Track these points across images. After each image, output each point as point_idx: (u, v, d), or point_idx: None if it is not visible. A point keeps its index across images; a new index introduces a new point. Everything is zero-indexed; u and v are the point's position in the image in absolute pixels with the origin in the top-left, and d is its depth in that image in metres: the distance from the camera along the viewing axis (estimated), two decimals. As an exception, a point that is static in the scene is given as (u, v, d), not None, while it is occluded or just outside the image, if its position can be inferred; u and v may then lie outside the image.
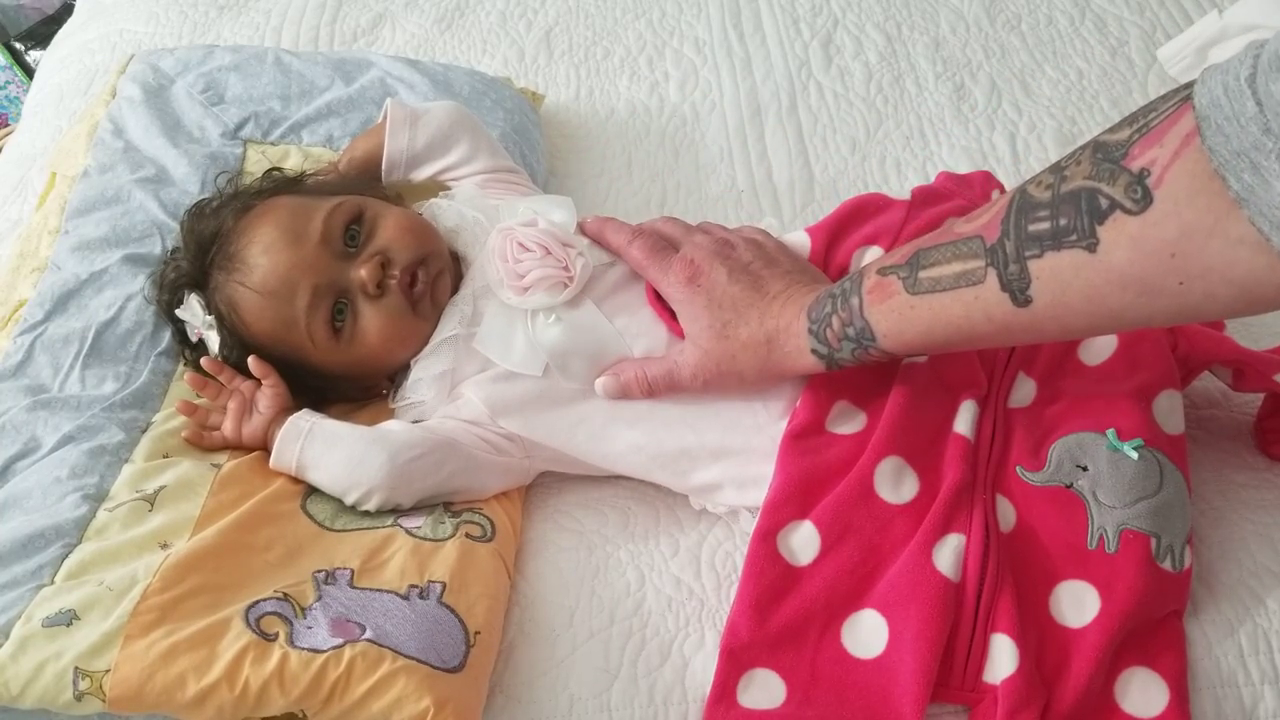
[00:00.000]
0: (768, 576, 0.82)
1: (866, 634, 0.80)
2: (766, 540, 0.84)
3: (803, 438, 0.88)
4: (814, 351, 0.84)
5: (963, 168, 1.27)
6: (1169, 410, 0.88)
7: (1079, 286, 0.68)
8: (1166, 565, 0.81)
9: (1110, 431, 0.85)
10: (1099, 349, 0.91)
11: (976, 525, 0.82)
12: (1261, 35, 1.26)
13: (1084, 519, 0.82)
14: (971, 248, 0.73)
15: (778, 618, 0.80)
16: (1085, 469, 0.84)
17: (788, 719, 0.78)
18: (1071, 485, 0.84)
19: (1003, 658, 0.78)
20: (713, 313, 0.88)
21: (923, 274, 0.76)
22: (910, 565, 0.80)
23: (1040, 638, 0.79)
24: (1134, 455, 0.84)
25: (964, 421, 0.87)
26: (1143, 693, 0.79)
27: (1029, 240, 0.69)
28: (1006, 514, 0.84)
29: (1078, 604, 0.80)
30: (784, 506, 0.85)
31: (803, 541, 0.84)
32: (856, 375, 0.88)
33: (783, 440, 0.88)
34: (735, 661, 0.80)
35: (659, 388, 0.91)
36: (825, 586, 0.81)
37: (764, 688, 0.79)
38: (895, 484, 0.85)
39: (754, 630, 0.80)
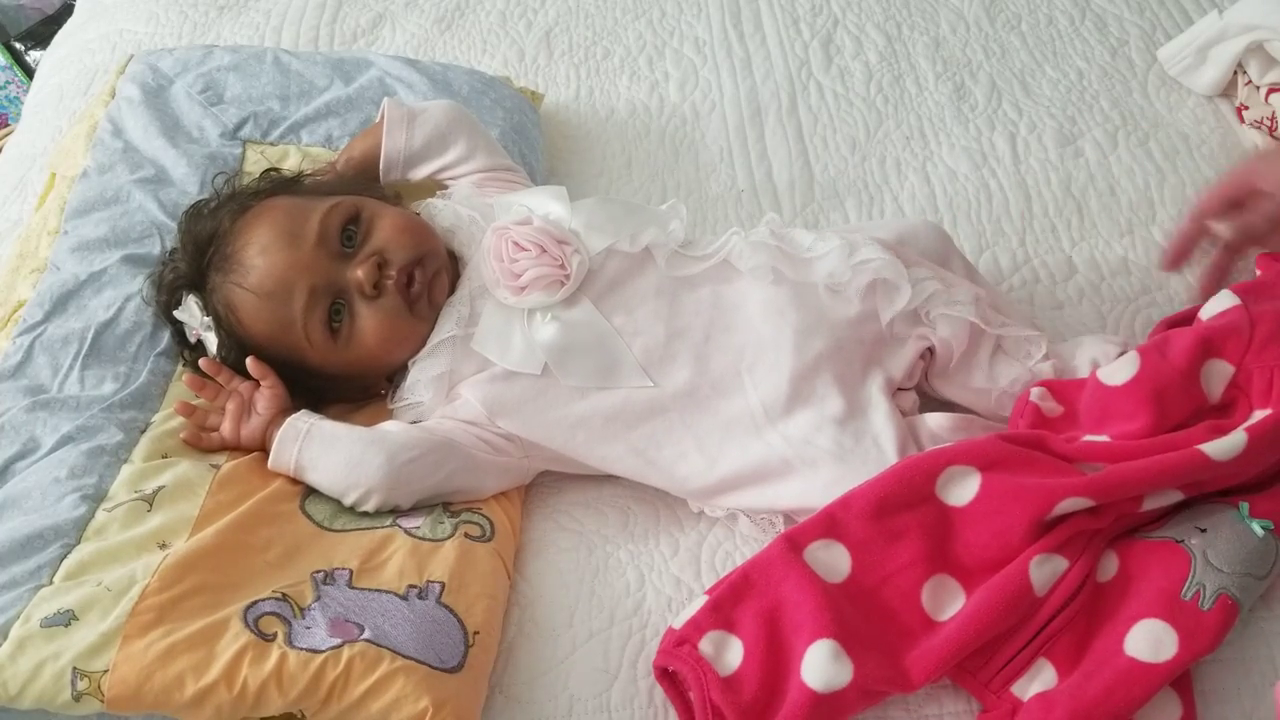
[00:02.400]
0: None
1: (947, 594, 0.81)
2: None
3: None
4: None
5: (963, 167, 1.27)
6: None
7: None
8: (1236, 618, 0.81)
9: (1243, 505, 0.84)
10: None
11: (1082, 563, 0.81)
12: (1261, 35, 1.26)
13: (1185, 571, 0.81)
14: None
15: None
16: (1204, 530, 0.83)
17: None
18: (1183, 542, 0.82)
19: (1039, 678, 0.79)
20: None
21: None
22: (1009, 561, 0.81)
23: (1108, 667, 0.78)
24: (1260, 532, 0.82)
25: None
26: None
27: None
28: (1109, 566, 0.83)
29: (1155, 643, 0.78)
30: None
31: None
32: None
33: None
34: None
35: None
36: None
37: None
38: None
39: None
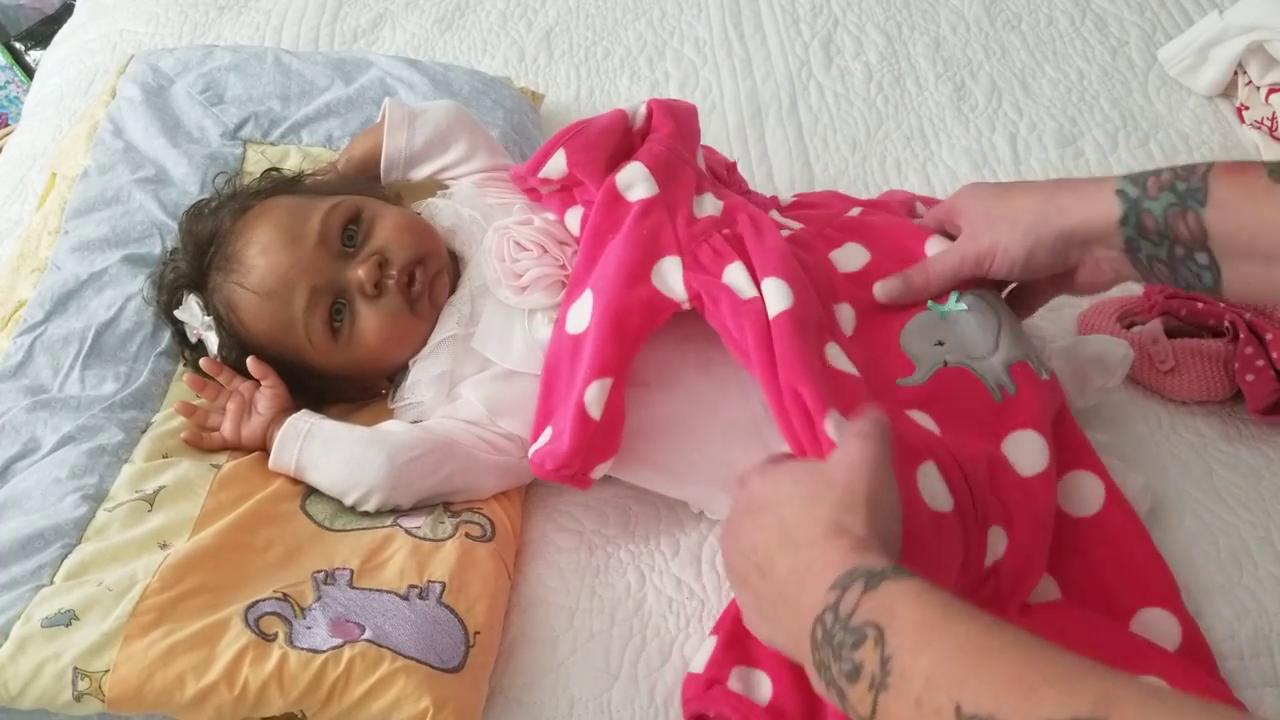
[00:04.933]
0: None
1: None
2: None
3: None
4: (1119, 192, 0.78)
5: (963, 167, 1.27)
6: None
7: None
8: (1044, 377, 0.87)
9: (930, 304, 0.89)
10: (851, 258, 0.96)
11: (926, 443, 0.81)
12: (1262, 35, 1.26)
13: (978, 381, 0.86)
14: None
15: None
16: (941, 343, 0.88)
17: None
18: (946, 362, 0.87)
19: (996, 540, 0.80)
20: (995, 189, 0.88)
21: None
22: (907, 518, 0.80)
23: (1005, 486, 0.82)
24: (963, 307, 0.88)
25: (840, 360, 0.86)
26: (1083, 491, 0.86)
27: None
28: (925, 421, 0.85)
29: (1032, 452, 0.83)
30: None
31: None
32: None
33: None
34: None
35: (935, 275, 0.90)
36: None
37: None
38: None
39: None
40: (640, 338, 0.85)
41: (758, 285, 0.86)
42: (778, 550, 0.66)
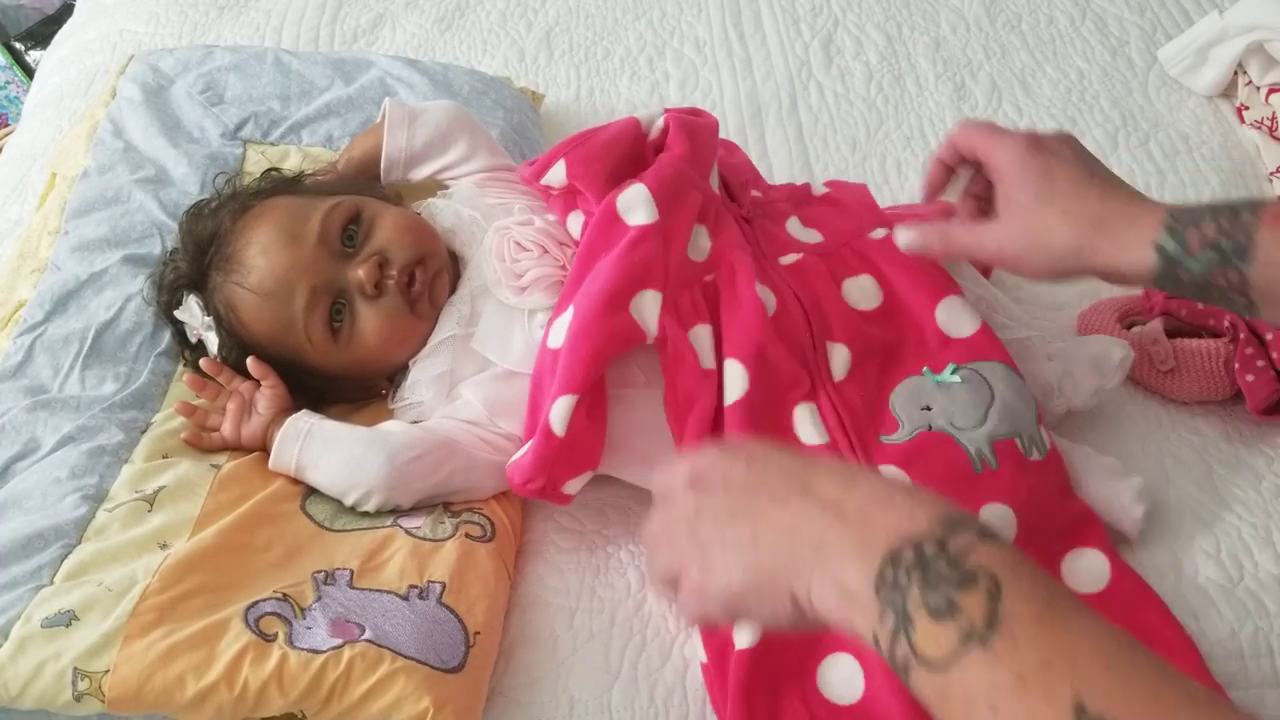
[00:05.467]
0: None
1: (839, 677, 0.80)
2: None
3: None
4: (1158, 246, 0.74)
5: (963, 168, 1.27)
6: (952, 317, 0.91)
7: None
8: (1035, 457, 0.86)
9: (925, 370, 0.89)
10: (863, 294, 0.93)
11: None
12: (1262, 35, 1.26)
13: (959, 449, 0.85)
14: None
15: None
16: (929, 408, 0.87)
17: None
18: (931, 426, 0.86)
19: None
20: (1043, 179, 0.79)
21: None
22: None
23: None
24: (957, 380, 0.88)
25: (806, 427, 0.86)
26: (1088, 570, 0.84)
27: None
28: (900, 478, 0.84)
29: (1000, 523, 0.83)
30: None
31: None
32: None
33: None
34: None
35: (957, 246, 0.84)
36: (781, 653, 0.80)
37: None
38: None
39: None
40: (608, 361, 0.85)
41: (720, 359, 0.87)
42: (844, 485, 0.57)
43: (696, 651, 0.82)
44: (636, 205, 0.89)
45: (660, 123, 0.97)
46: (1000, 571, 0.51)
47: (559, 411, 0.83)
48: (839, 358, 0.90)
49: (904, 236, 0.87)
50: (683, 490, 0.61)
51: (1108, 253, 0.76)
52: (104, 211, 1.07)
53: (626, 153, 0.95)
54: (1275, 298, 0.72)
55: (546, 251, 0.94)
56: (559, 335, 0.86)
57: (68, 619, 0.76)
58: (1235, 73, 1.33)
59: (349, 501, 0.88)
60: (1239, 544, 0.90)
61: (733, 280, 0.89)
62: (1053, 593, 0.51)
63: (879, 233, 0.97)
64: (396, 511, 0.89)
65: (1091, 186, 0.78)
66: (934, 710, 0.52)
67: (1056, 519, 0.86)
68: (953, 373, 0.88)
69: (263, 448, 0.93)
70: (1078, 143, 0.82)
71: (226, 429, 0.93)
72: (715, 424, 0.86)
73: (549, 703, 0.81)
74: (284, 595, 0.79)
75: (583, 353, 0.84)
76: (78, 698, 0.73)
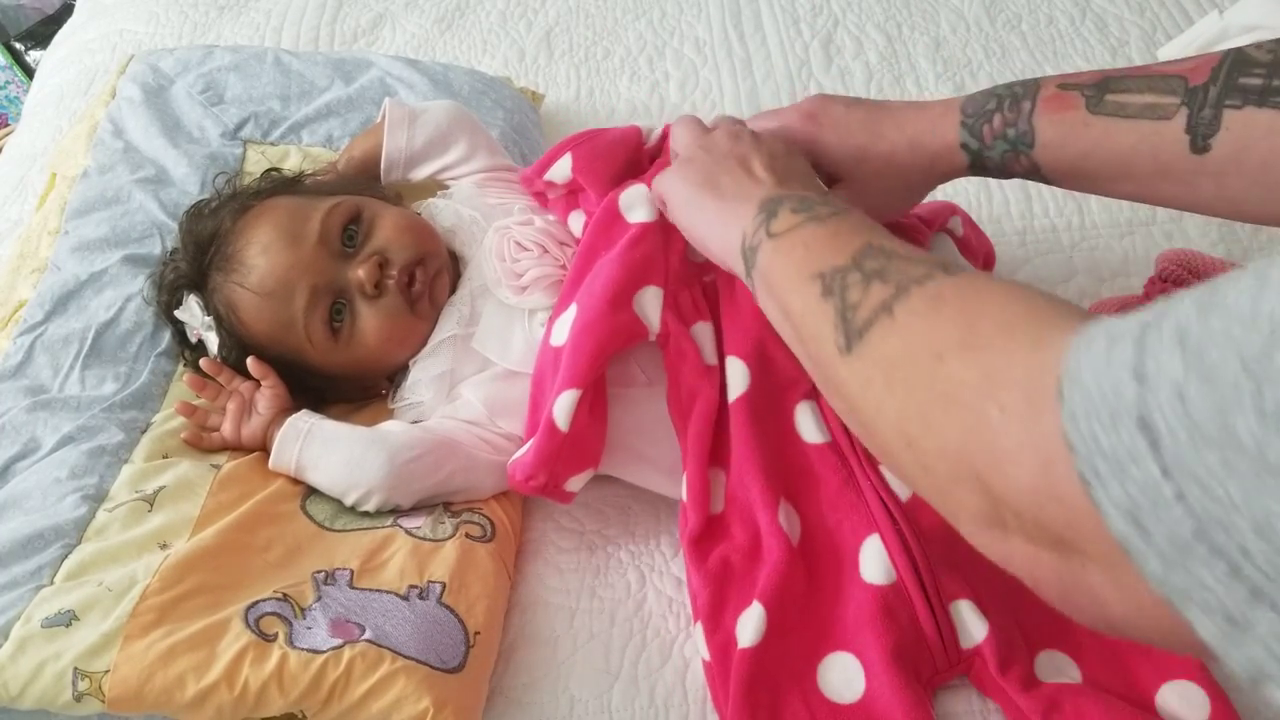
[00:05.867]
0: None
1: (839, 677, 0.79)
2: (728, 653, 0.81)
3: (702, 540, 0.86)
4: (963, 146, 0.84)
5: (963, 168, 1.27)
6: None
7: (1263, 150, 0.70)
8: None
9: None
10: None
11: (880, 514, 0.82)
12: (1262, 35, 1.26)
13: None
14: (1170, 85, 0.75)
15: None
16: None
17: None
18: None
19: (971, 621, 0.79)
20: (849, 138, 0.87)
21: (1110, 97, 0.77)
22: (845, 592, 0.80)
23: (993, 574, 0.80)
24: None
25: (808, 425, 0.86)
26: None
27: (1234, 90, 0.71)
28: (898, 485, 0.84)
29: None
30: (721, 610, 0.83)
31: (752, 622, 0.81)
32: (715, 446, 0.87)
33: (687, 551, 0.86)
34: None
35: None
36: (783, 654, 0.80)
37: None
38: (791, 526, 0.84)
39: None
40: (610, 356, 0.85)
41: (721, 356, 0.87)
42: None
43: (699, 649, 0.82)
44: (637, 204, 0.89)
45: (658, 131, 0.98)
46: (855, 210, 0.69)
47: (562, 406, 0.83)
48: None
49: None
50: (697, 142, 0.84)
51: (932, 167, 0.86)
52: (104, 211, 1.07)
53: (628, 157, 0.96)
54: (1062, 173, 0.82)
55: (546, 251, 0.94)
56: (562, 333, 0.87)
57: (68, 619, 0.76)
58: (1235, 73, 1.33)
59: (349, 501, 0.88)
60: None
61: (731, 281, 0.89)
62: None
63: None
64: (396, 511, 0.89)
65: (882, 123, 0.87)
66: (761, 277, 0.70)
67: None
68: None
69: (263, 448, 0.93)
70: (826, 96, 0.90)
71: (226, 429, 0.93)
72: (719, 419, 0.86)
73: (549, 703, 0.81)
74: (284, 595, 0.79)
75: (587, 348, 0.84)
76: (78, 698, 0.73)
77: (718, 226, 0.77)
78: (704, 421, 0.85)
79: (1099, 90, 0.78)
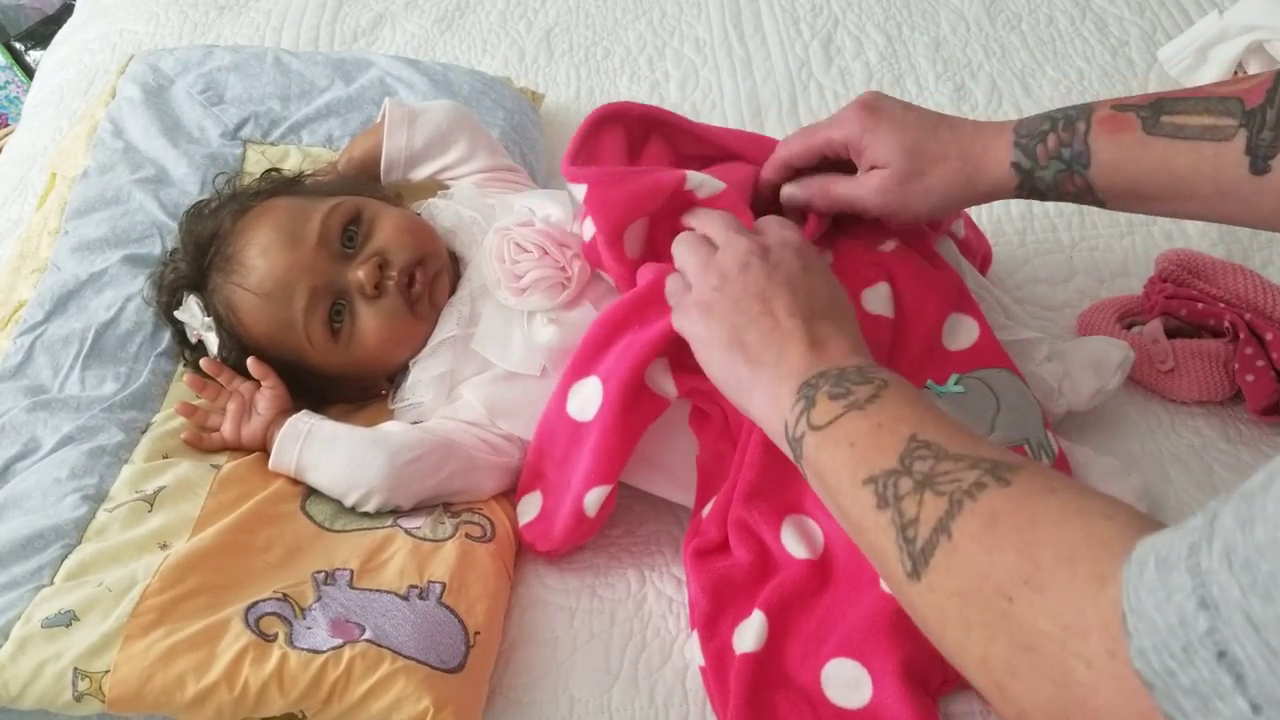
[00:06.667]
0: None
1: (845, 683, 0.79)
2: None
3: (705, 554, 0.86)
4: (1015, 165, 0.85)
5: (963, 168, 1.27)
6: (956, 327, 0.92)
7: None
8: (1044, 461, 0.86)
9: (929, 383, 0.88)
10: (881, 301, 0.92)
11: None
12: (1262, 35, 1.26)
13: None
14: (1227, 106, 0.75)
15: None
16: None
17: None
18: None
19: None
20: (904, 131, 0.88)
21: (1166, 118, 0.78)
22: (861, 601, 0.80)
23: None
24: (961, 390, 0.88)
25: None
26: None
27: None
28: None
29: None
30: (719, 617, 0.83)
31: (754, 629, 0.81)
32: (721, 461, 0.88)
33: (689, 562, 0.86)
34: None
35: (837, 198, 0.91)
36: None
37: None
38: (800, 540, 0.84)
39: None
40: (637, 441, 0.87)
41: None
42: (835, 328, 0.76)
43: (695, 655, 0.82)
44: None
45: (712, 189, 0.91)
46: (892, 379, 0.68)
47: (594, 499, 0.85)
48: None
49: (787, 189, 0.93)
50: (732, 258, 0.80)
51: (978, 182, 0.87)
52: (104, 211, 1.07)
53: (657, 209, 0.91)
54: (1116, 194, 0.83)
55: (546, 253, 0.94)
56: (587, 409, 0.87)
57: (68, 619, 0.76)
58: (1235, 72, 1.33)
59: (349, 502, 0.88)
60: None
61: None
62: (928, 397, 0.67)
63: (888, 245, 0.95)
64: (396, 512, 0.89)
65: (939, 127, 0.88)
66: (811, 469, 0.68)
67: None
68: (955, 383, 0.88)
69: (263, 448, 0.93)
70: (883, 94, 0.92)
71: (226, 429, 0.93)
72: (735, 424, 0.87)
73: (549, 703, 0.81)
74: (284, 595, 0.79)
75: (619, 447, 0.85)
76: (78, 698, 0.73)
77: (756, 399, 0.74)
78: (720, 425, 0.87)
79: (1154, 112, 0.79)
